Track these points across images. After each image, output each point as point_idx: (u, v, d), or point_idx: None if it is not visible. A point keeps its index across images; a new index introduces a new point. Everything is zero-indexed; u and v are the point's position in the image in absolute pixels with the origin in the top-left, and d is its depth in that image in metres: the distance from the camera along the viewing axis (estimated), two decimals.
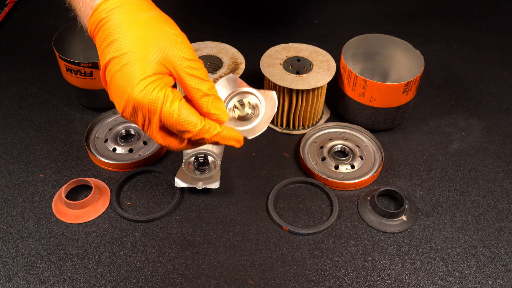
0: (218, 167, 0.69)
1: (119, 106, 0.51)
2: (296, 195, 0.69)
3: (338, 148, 0.74)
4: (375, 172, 0.70)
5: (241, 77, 0.73)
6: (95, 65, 0.72)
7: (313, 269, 0.61)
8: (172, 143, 0.54)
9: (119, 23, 0.50)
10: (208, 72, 0.77)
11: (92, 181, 0.67)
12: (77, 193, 0.68)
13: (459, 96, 0.84)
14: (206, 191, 0.68)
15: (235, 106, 0.57)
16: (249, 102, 0.57)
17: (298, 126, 0.77)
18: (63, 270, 0.60)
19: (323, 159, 0.72)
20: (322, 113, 0.80)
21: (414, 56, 0.75)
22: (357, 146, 0.73)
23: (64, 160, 0.72)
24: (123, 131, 0.75)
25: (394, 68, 0.79)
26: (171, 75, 0.51)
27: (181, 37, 0.51)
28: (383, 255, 0.62)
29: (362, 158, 0.72)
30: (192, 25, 0.96)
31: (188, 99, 0.52)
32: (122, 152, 0.72)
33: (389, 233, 0.64)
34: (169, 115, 0.50)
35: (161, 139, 0.53)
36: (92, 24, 0.51)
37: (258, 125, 0.57)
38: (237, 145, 0.55)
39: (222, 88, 0.57)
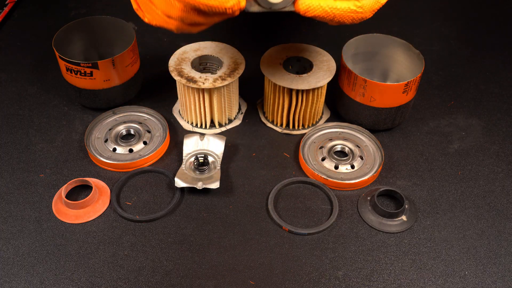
0: (218, 167, 0.69)
1: None
2: (296, 195, 0.69)
3: (338, 148, 0.74)
4: (375, 172, 0.70)
5: (241, 77, 0.73)
6: (95, 65, 0.72)
7: (313, 269, 0.61)
8: None
9: None
10: (208, 72, 0.77)
11: (92, 181, 0.68)
12: (77, 193, 0.68)
13: (459, 96, 0.84)
14: (206, 191, 0.68)
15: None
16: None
17: (298, 126, 0.77)
18: (63, 270, 0.60)
19: (323, 159, 0.72)
20: (322, 113, 0.80)
21: (414, 56, 0.75)
22: (357, 146, 0.73)
23: (64, 160, 0.72)
24: (123, 131, 0.75)
25: (394, 68, 0.79)
26: None
27: None
28: (383, 255, 0.62)
29: (362, 158, 0.72)
30: None
31: None
32: (122, 152, 0.72)
33: (389, 233, 0.64)
34: None
35: None
36: None
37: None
38: None
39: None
